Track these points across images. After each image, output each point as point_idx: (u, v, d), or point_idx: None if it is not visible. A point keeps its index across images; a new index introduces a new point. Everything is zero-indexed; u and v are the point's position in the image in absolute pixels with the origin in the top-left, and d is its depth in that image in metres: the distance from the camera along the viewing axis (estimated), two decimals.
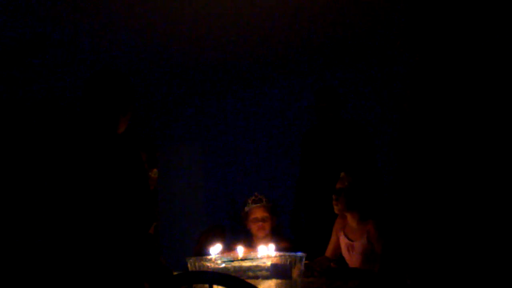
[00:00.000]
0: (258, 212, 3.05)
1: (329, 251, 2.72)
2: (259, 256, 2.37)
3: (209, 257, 2.34)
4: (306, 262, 2.27)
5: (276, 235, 3.08)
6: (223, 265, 2.19)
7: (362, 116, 3.97)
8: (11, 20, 3.03)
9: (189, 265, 2.21)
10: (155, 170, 2.83)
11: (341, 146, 3.39)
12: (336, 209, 2.58)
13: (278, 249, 2.63)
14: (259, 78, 4.58)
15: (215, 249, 2.42)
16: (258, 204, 3.07)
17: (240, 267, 2.15)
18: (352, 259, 2.52)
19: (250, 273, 2.12)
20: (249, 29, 3.43)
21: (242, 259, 2.28)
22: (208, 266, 2.15)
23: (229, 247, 2.83)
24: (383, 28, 3.52)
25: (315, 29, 3.52)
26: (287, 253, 2.37)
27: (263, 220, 3.04)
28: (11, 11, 2.92)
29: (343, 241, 2.60)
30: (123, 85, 2.01)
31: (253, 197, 3.12)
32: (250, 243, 3.00)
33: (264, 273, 2.10)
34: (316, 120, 3.56)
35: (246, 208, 3.10)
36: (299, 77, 4.53)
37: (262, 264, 2.14)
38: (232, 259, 2.28)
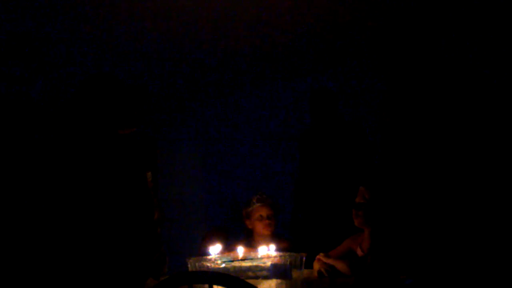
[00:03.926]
0: (263, 210, 3.04)
1: (333, 254, 2.69)
2: (259, 256, 2.37)
3: (209, 257, 2.35)
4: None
5: (276, 235, 3.08)
6: (223, 265, 2.20)
7: (360, 117, 3.96)
8: (12, 20, 3.03)
9: (189, 265, 2.21)
10: (149, 173, 2.83)
11: (338, 147, 3.39)
12: (356, 222, 2.57)
13: (278, 249, 2.63)
14: (259, 78, 4.58)
15: (215, 249, 2.42)
16: (264, 203, 3.06)
17: (240, 267, 2.15)
18: None
19: (250, 273, 2.12)
20: (250, 29, 3.43)
21: (242, 259, 2.28)
22: (208, 266, 2.15)
23: (229, 247, 2.83)
24: (381, 29, 3.52)
25: (314, 30, 3.52)
26: (287, 253, 2.38)
27: (268, 218, 3.03)
28: (12, 11, 2.92)
29: (360, 255, 2.59)
30: (118, 102, 2.00)
31: (258, 196, 3.11)
32: (251, 243, 2.99)
33: (264, 273, 2.11)
34: (313, 121, 3.57)
35: (250, 207, 3.09)
36: (299, 77, 4.53)
37: (262, 264, 2.14)
38: (232, 259, 2.29)
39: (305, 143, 3.60)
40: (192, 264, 2.20)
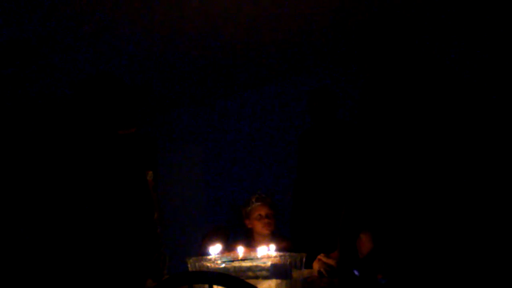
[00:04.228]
0: (262, 210, 3.04)
1: (334, 256, 2.68)
2: (259, 256, 2.37)
3: (209, 257, 2.35)
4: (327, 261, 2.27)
5: (276, 235, 3.08)
6: (223, 265, 2.20)
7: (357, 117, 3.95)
8: (12, 20, 3.03)
9: (189, 265, 2.21)
10: (150, 172, 2.83)
11: (337, 147, 3.38)
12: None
13: (278, 249, 2.63)
14: (259, 78, 4.58)
15: (215, 249, 2.42)
16: (262, 202, 3.06)
17: (240, 267, 2.15)
18: None
19: (250, 273, 2.12)
20: (250, 30, 3.43)
21: (242, 259, 2.28)
22: (208, 266, 2.15)
23: (229, 247, 2.83)
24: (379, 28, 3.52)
25: (315, 29, 3.53)
26: (287, 253, 2.37)
27: (267, 217, 3.03)
28: (12, 12, 2.92)
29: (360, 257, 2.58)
30: (119, 101, 2.00)
31: (257, 195, 3.11)
32: (250, 243, 2.99)
33: (264, 273, 2.11)
34: (312, 122, 3.57)
35: (250, 206, 3.09)
36: (299, 78, 4.54)
37: (262, 264, 2.14)
38: (232, 259, 2.29)
39: (304, 143, 3.60)
40: (192, 264, 2.20)
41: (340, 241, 1.99)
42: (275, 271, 2.08)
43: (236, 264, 2.20)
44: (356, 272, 1.79)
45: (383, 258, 1.72)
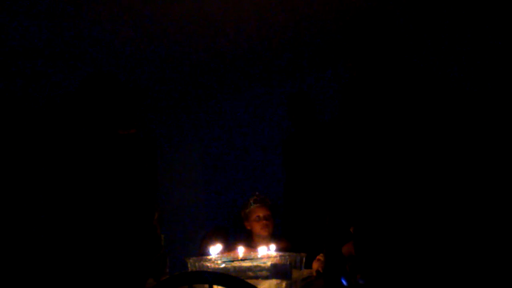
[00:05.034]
0: (260, 211, 3.05)
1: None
2: (259, 256, 2.37)
3: (209, 257, 2.35)
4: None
5: (275, 235, 3.08)
6: (223, 265, 2.19)
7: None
8: (13, 21, 3.03)
9: (189, 265, 2.21)
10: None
11: (320, 150, 3.38)
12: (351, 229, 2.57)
13: (278, 249, 2.63)
14: (260, 78, 4.58)
15: (215, 249, 2.42)
16: (260, 203, 3.06)
17: (240, 267, 2.15)
18: None
19: (250, 273, 2.12)
20: (250, 30, 3.44)
21: (242, 259, 2.28)
22: (208, 266, 2.15)
23: (229, 248, 2.83)
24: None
25: (314, 28, 3.53)
26: (287, 253, 2.37)
27: (265, 218, 3.03)
28: (14, 14, 2.92)
29: None
30: (120, 101, 2.01)
31: (255, 197, 3.11)
32: (251, 243, 2.99)
33: (264, 273, 2.10)
34: (292, 126, 3.59)
35: (248, 208, 3.09)
36: (299, 77, 4.54)
37: (262, 264, 2.14)
38: (232, 259, 2.29)
39: (287, 149, 3.62)
40: (192, 264, 2.20)
41: (325, 248, 2.00)
42: (275, 271, 2.08)
43: (236, 264, 2.20)
44: (344, 282, 1.79)
45: (363, 259, 1.72)
